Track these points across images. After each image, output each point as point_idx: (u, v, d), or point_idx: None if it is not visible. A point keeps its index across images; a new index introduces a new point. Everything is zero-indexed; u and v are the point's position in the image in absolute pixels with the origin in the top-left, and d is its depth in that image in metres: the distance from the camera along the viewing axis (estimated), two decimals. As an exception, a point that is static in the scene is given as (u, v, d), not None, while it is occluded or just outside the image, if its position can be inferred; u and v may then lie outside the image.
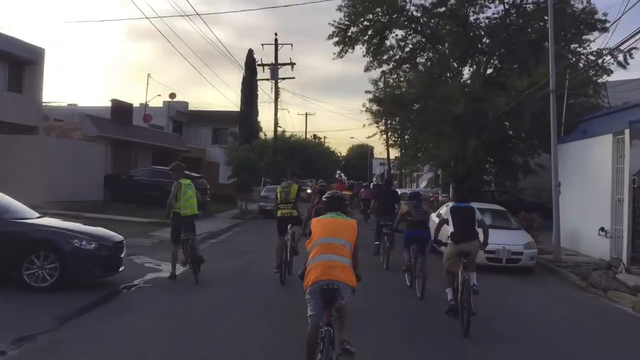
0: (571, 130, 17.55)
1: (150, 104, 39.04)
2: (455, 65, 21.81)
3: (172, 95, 40.48)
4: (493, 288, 10.78)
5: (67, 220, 11.15)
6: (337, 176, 65.84)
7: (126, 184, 22.88)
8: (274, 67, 35.58)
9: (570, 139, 16.61)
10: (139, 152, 27.15)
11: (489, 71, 22.06)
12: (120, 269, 9.39)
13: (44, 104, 42.68)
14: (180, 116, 40.49)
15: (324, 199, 5.68)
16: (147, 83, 35.93)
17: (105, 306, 8.10)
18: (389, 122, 29.09)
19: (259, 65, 36.12)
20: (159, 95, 40.72)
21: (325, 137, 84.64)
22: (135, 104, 36.73)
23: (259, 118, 40.10)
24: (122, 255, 9.31)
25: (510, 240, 12.69)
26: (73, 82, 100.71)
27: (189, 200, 9.97)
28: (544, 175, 22.06)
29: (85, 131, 23.40)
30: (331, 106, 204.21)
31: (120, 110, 26.24)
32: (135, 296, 8.95)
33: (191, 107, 43.96)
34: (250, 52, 37.96)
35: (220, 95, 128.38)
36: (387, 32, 21.43)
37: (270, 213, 24.85)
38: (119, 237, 9.47)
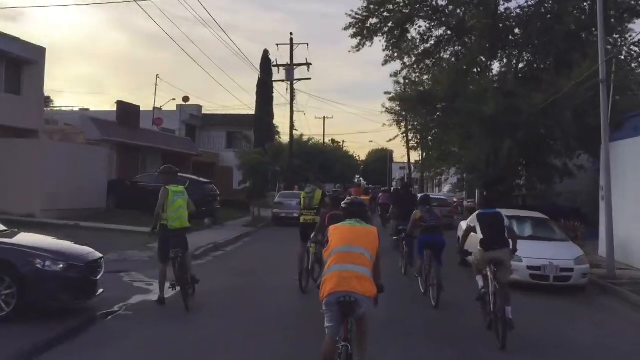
0: (617, 129, 15.70)
1: (165, 108, 37.90)
2: (484, 60, 20.03)
3: (186, 99, 39.28)
4: (538, 310, 9.37)
5: (42, 233, 9.73)
6: (356, 180, 64.51)
7: (131, 190, 21.47)
8: (290, 68, 34.17)
9: (620, 136, 14.76)
10: (147, 156, 25.71)
11: (520, 65, 20.22)
12: (99, 291, 7.86)
13: (56, 108, 42.09)
14: (193, 120, 39.16)
15: (343, 205, 5.41)
16: (156, 84, 34.60)
17: (69, 342, 6.58)
18: (410, 122, 27.30)
19: (274, 66, 34.92)
20: (174, 99, 39.61)
21: (343, 142, 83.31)
22: (150, 108, 35.71)
23: (275, 121, 38.78)
24: (98, 277, 7.78)
25: (558, 254, 10.87)
26: (87, 87, 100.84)
27: (179, 211, 8.41)
28: (581, 177, 20.24)
29: (89, 135, 22.10)
30: (349, 108, 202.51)
31: (127, 112, 24.83)
32: (112, 326, 7.42)
33: (205, 111, 42.68)
34: (266, 52, 36.76)
35: (235, 99, 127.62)
36: (409, 23, 19.76)
37: (284, 220, 23.67)
38: (95, 254, 7.94)
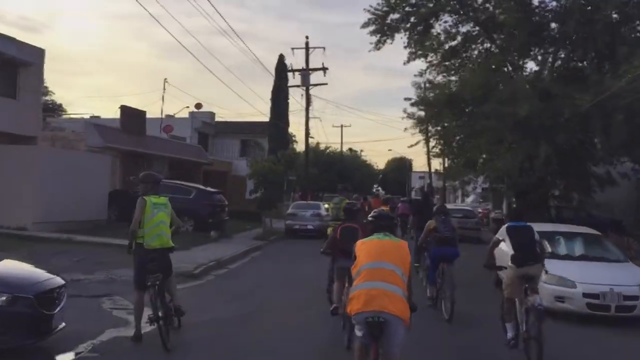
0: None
1: (178, 116, 36.77)
2: (516, 58, 18.30)
3: (198, 106, 38.12)
4: (591, 344, 7.93)
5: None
6: (374, 190, 63.05)
7: (134, 201, 20.01)
8: (305, 72, 32.90)
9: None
10: (153, 164, 24.21)
11: (556, 63, 18.45)
12: (59, 327, 6.33)
13: (70, 116, 41.17)
14: (206, 127, 37.83)
15: (370, 218, 5.17)
16: (164, 89, 33.36)
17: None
18: (433, 127, 25.62)
19: (289, 71, 33.67)
20: (187, 107, 38.39)
21: (361, 151, 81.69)
22: (164, 115, 34.62)
23: (290, 129, 37.37)
24: (55, 311, 6.21)
25: (619, 279, 9.09)
26: (105, 96, 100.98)
27: (159, 227, 6.86)
28: (619, 187, 18.50)
29: (90, 142, 20.79)
30: (367, 115, 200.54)
31: (131, 118, 23.44)
32: (69, 375, 5.89)
33: (219, 118, 41.40)
34: (281, 57, 35.39)
35: (250, 107, 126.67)
36: (434, 19, 18.15)
37: (298, 232, 22.25)
38: (53, 282, 6.38)
